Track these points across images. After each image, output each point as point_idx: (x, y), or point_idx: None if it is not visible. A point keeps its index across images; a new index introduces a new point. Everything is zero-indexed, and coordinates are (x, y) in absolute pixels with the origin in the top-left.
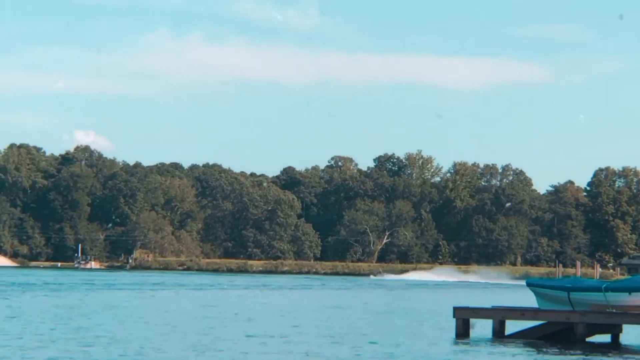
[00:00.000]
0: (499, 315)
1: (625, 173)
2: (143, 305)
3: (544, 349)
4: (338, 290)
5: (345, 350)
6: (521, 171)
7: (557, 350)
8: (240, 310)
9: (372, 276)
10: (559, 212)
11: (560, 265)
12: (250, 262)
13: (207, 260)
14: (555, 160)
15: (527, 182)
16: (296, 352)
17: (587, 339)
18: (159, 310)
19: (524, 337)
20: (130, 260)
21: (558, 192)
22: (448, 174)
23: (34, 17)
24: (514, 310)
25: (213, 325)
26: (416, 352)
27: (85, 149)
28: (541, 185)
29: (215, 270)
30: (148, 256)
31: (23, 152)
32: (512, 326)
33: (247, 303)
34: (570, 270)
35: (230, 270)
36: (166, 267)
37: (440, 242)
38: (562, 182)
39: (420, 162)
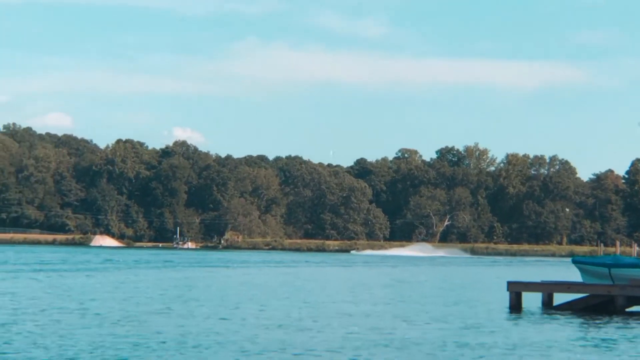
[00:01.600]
0: (548, 289)
1: None
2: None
3: (589, 318)
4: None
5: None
6: (567, 161)
7: (599, 319)
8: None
9: (352, 252)
10: (600, 197)
11: (602, 244)
12: (328, 242)
13: (290, 240)
14: (597, 152)
15: (571, 170)
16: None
17: (626, 309)
18: (266, 281)
19: (570, 308)
20: (222, 241)
21: (599, 180)
22: (501, 164)
23: (143, 29)
24: (561, 284)
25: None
26: (476, 322)
27: (183, 143)
28: (584, 174)
29: (297, 250)
30: (238, 237)
31: (128, 147)
32: (559, 299)
33: (326, 276)
34: (611, 249)
35: (309, 250)
36: (254, 247)
37: (495, 224)
38: (603, 170)
39: (477, 153)
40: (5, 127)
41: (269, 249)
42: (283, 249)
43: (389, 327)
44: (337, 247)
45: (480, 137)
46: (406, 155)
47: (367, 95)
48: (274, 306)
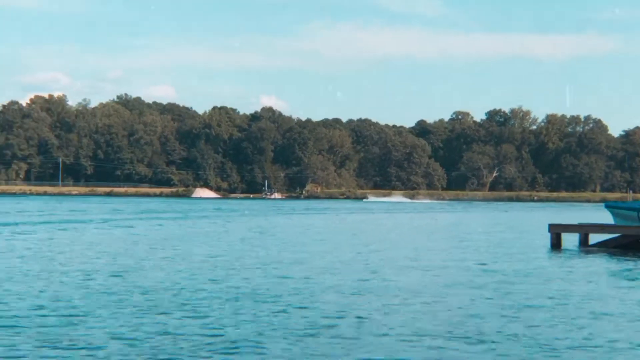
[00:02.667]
0: (584, 230)
1: None
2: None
3: (620, 255)
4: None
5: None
6: (599, 120)
7: (629, 255)
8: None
9: (364, 200)
10: (629, 150)
11: (631, 191)
12: (394, 192)
13: (361, 191)
14: (626, 111)
15: (604, 128)
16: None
17: None
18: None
19: (604, 247)
20: (303, 192)
21: (629, 135)
22: (542, 123)
23: (232, 10)
24: (596, 226)
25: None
26: (523, 260)
27: (269, 109)
28: (615, 130)
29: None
30: (317, 188)
31: (223, 113)
32: (594, 239)
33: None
34: (638, 195)
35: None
36: (330, 197)
37: (537, 175)
38: (631, 127)
39: (521, 114)
40: (118, 97)
41: (344, 198)
42: (356, 197)
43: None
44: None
45: (523, 100)
46: (460, 116)
47: (424, 65)
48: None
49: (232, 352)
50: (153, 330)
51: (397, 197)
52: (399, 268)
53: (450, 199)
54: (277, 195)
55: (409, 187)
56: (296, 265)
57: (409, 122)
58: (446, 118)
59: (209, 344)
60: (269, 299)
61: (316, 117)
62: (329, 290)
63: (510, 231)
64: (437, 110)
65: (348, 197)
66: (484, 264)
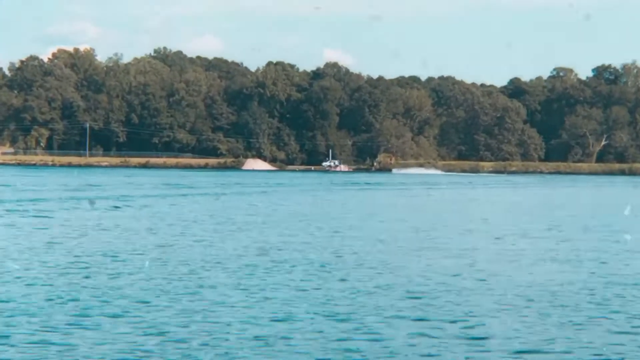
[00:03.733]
0: None
1: None
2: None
3: None
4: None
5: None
6: None
7: None
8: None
9: (393, 170)
10: None
11: None
12: (482, 163)
13: (443, 162)
14: None
15: None
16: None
17: None
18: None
19: None
20: (375, 164)
21: None
22: None
23: None
24: None
25: None
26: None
27: (334, 65)
28: None
29: (450, 171)
30: (390, 159)
31: (279, 69)
32: None
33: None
34: None
35: (463, 171)
36: (451, 170)
37: None
38: None
39: (635, 71)
40: (155, 51)
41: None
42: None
43: None
44: (490, 169)
45: (638, 54)
46: (561, 74)
47: (517, 12)
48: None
49: None
50: None
51: (430, 169)
52: None
53: (549, 172)
54: (343, 167)
55: (500, 158)
56: None
57: (501, 81)
58: (545, 76)
59: None
60: None
61: (389, 75)
62: None
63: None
64: (533, 67)
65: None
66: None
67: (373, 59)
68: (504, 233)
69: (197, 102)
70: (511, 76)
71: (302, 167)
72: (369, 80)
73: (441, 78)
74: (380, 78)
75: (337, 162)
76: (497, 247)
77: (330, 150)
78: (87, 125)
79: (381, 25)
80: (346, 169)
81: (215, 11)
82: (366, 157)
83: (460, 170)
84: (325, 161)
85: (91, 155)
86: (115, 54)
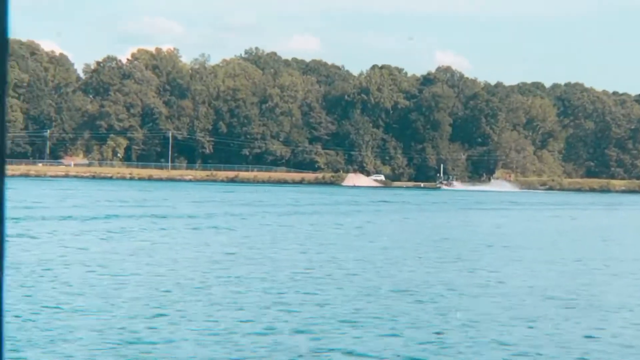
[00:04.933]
0: None
1: None
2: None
3: None
4: None
5: None
6: None
7: None
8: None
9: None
10: None
11: None
12: (613, 181)
13: (569, 180)
14: None
15: None
16: None
17: None
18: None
19: None
20: (491, 180)
21: None
22: None
23: None
24: None
25: None
26: None
27: (447, 69)
28: None
29: (577, 190)
30: (509, 176)
31: (385, 73)
32: None
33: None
34: None
35: (592, 190)
36: (528, 187)
37: None
38: None
39: None
40: (247, 52)
41: (545, 189)
42: (561, 189)
43: None
44: (623, 187)
45: None
46: None
47: None
48: None
49: None
50: None
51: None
52: None
53: None
54: (456, 184)
55: (634, 176)
56: None
57: (635, 89)
58: None
59: None
60: None
61: (509, 81)
62: None
63: None
64: None
65: (551, 188)
66: None
67: (491, 63)
68: None
69: (292, 110)
70: None
71: (411, 184)
72: (486, 86)
73: (568, 85)
74: (499, 84)
75: (449, 178)
76: None
77: (442, 165)
78: (170, 134)
79: (499, 25)
80: (460, 187)
81: (312, 8)
82: (482, 172)
83: (588, 189)
84: (439, 177)
85: (173, 167)
86: (202, 55)
